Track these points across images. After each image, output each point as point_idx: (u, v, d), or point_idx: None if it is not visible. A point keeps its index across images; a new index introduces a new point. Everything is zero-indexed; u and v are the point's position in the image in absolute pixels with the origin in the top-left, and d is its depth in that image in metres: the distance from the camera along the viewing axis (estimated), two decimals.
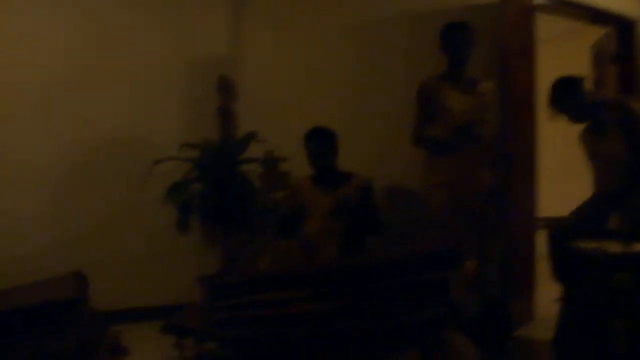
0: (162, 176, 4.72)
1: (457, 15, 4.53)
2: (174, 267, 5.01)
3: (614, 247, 3.58)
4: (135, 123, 5.03)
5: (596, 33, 6.45)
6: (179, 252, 4.98)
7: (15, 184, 4.61)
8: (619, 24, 6.11)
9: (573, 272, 3.62)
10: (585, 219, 4.00)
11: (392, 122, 5.09)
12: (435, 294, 3.43)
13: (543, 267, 4.28)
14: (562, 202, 4.29)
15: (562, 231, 4.01)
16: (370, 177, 4.36)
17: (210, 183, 4.68)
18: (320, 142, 4.29)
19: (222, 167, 4.72)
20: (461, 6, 5.07)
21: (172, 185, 4.68)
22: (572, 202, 4.14)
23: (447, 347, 3.47)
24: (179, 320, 4.03)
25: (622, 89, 5.84)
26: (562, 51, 7.55)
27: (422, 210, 4.43)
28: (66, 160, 4.86)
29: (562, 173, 6.50)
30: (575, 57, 6.95)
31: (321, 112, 5.07)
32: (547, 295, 3.91)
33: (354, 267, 3.71)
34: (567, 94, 4.05)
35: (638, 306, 3.33)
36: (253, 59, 5.30)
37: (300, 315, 3.65)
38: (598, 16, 6.02)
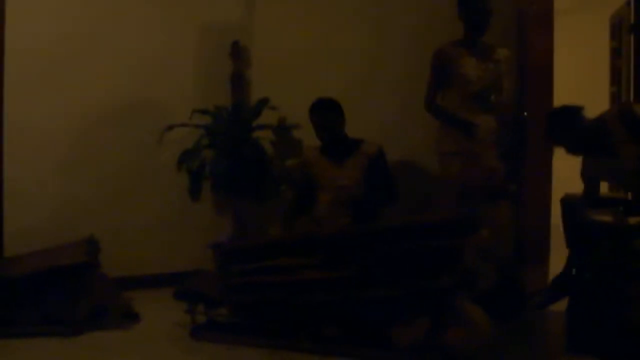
0: (174, 143, 4.71)
1: None
2: (186, 234, 5.01)
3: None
4: (147, 89, 4.98)
5: (616, 3, 6.34)
6: (190, 218, 4.98)
7: (27, 151, 4.58)
8: None
9: (589, 241, 3.58)
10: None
11: (406, 88, 5.03)
12: (448, 261, 3.41)
13: (558, 236, 4.26)
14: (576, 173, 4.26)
15: (577, 201, 3.98)
16: (382, 143, 4.31)
17: (222, 150, 4.66)
18: (324, 115, 4.24)
19: (234, 134, 4.70)
20: None
21: (184, 152, 4.68)
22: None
23: (459, 316, 3.46)
24: (191, 286, 4.03)
25: (637, 62, 5.72)
26: (581, 22, 7.44)
27: (437, 178, 4.39)
28: (79, 127, 4.82)
29: None
30: (594, 28, 6.87)
31: (334, 79, 5.00)
32: (562, 265, 3.87)
33: (365, 234, 3.71)
34: (564, 126, 3.90)
35: None
36: (267, 25, 5.24)
37: (311, 281, 3.66)
38: None
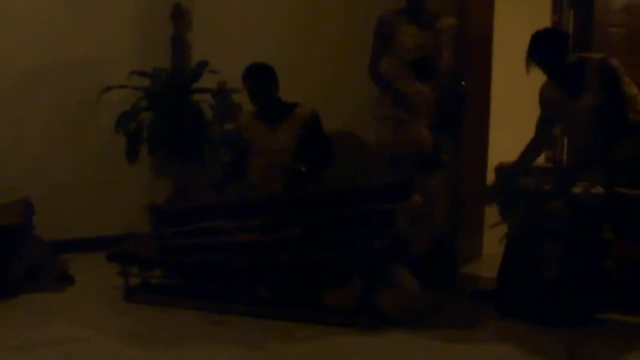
0: (112, 104, 4.64)
1: None
2: (123, 196, 4.94)
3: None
4: (85, 49, 4.86)
5: None
6: (127, 181, 4.91)
7: None
8: None
9: (515, 207, 3.68)
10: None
11: (344, 53, 5.06)
12: (380, 226, 3.47)
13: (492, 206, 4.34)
14: (511, 145, 4.33)
15: (509, 170, 4.06)
16: (318, 109, 4.30)
17: (160, 112, 4.62)
18: (257, 80, 4.21)
19: (173, 97, 4.66)
20: None
21: (121, 113, 4.62)
22: (519, 147, 4.16)
23: (390, 279, 3.52)
24: (125, 248, 4.01)
25: (577, 37, 5.82)
26: None
27: (372, 145, 4.45)
28: (15, 85, 4.70)
29: (510, 118, 6.48)
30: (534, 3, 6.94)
31: (274, 43, 4.99)
32: (496, 234, 3.96)
33: (300, 198, 3.74)
34: (552, 47, 3.84)
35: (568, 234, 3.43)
36: None
37: (245, 244, 3.68)
38: None
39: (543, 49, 3.81)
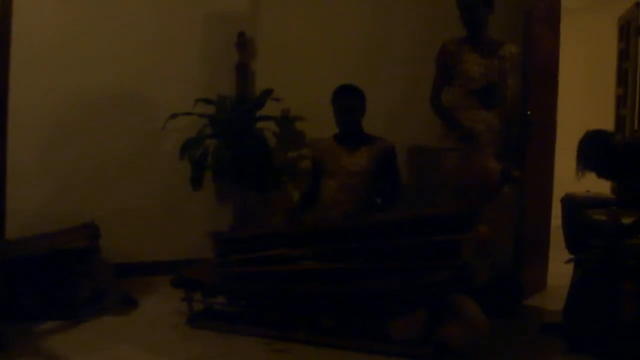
0: (177, 131, 4.71)
1: None
2: (187, 222, 5.01)
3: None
4: (151, 77, 4.96)
5: (624, 5, 6.33)
6: (192, 208, 4.99)
7: (31, 135, 4.58)
8: None
9: (586, 241, 3.58)
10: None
11: (411, 80, 5.05)
12: (445, 256, 3.41)
13: (558, 237, 4.25)
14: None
15: (576, 202, 3.98)
16: (392, 140, 4.39)
17: (225, 139, 4.67)
18: (348, 99, 4.30)
19: (237, 124, 4.70)
20: None
21: (186, 140, 4.68)
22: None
23: (455, 311, 3.46)
24: (189, 274, 4.03)
25: None
26: (589, 22, 7.43)
27: (435, 173, 4.41)
28: (83, 112, 4.81)
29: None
30: (601, 28, 6.86)
31: (338, 71, 5.01)
32: (560, 265, 3.87)
33: (365, 227, 3.71)
34: (599, 151, 3.84)
35: None
36: (272, 16, 5.23)
37: (308, 272, 3.67)
38: None
39: (590, 154, 3.85)
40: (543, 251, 4.83)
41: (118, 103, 4.91)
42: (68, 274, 4.04)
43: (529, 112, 4.49)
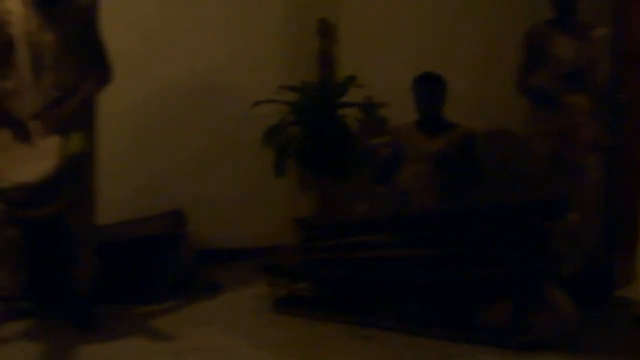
0: (260, 118, 4.73)
1: None
2: (270, 209, 5.04)
3: None
4: (233, 65, 5.00)
5: None
6: (275, 194, 5.01)
7: (118, 124, 4.65)
8: None
9: None
10: None
11: (492, 65, 4.95)
12: (536, 244, 3.34)
13: None
14: None
15: None
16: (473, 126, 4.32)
17: (307, 126, 4.67)
18: (429, 86, 4.29)
19: (320, 111, 4.70)
20: None
21: (269, 128, 4.70)
22: None
23: (545, 300, 3.39)
24: (273, 260, 4.06)
25: None
26: None
27: (523, 159, 4.32)
28: (168, 101, 4.90)
29: None
30: None
31: (421, 57, 4.94)
32: None
33: (448, 214, 3.67)
34: None
35: None
36: (354, 2, 5.20)
37: (394, 259, 3.64)
38: None
39: None
40: (635, 240, 4.67)
41: (201, 93, 4.96)
42: (155, 259, 4.13)
43: (621, 95, 4.34)
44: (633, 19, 4.47)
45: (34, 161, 3.11)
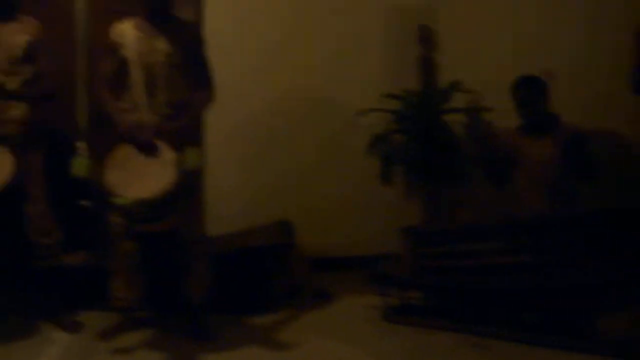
0: (364, 128, 4.74)
1: None
2: (377, 217, 5.03)
3: None
4: (337, 76, 5.05)
5: None
6: (381, 203, 4.99)
7: (225, 138, 4.78)
8: None
9: None
10: None
11: (594, 65, 4.83)
12: None
13: None
14: None
15: None
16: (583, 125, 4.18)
17: (412, 134, 4.65)
18: (529, 90, 4.20)
19: (424, 118, 4.67)
20: None
21: (373, 136, 4.71)
22: None
23: None
24: (384, 269, 4.06)
25: None
26: None
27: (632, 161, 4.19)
28: (274, 112, 4.99)
29: None
30: None
31: (524, 60, 4.84)
32: None
33: (561, 220, 3.57)
34: None
35: None
36: (454, 8, 5.15)
37: (506, 266, 3.58)
38: None
39: None
40: None
41: (306, 104, 5.03)
42: (266, 269, 4.20)
43: None
44: None
45: (152, 177, 3.22)
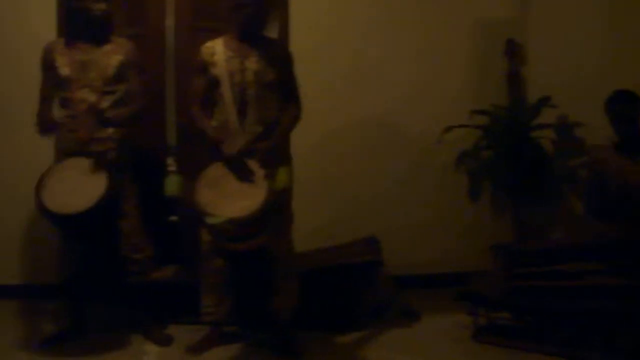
0: (452, 144, 4.71)
1: None
2: (464, 234, 5.00)
3: None
4: (425, 91, 5.03)
5: None
6: (469, 219, 4.96)
7: (313, 154, 4.80)
8: None
9: None
10: None
11: None
12: None
13: None
14: None
15: None
16: None
17: (501, 150, 4.59)
18: (624, 106, 4.04)
19: (513, 134, 4.60)
20: None
21: (461, 152, 4.67)
22: None
23: None
24: (474, 287, 3.99)
25: None
26: None
27: None
28: (361, 130, 5.00)
29: None
30: None
31: (618, 74, 4.69)
32: None
33: None
34: None
35: None
36: (542, 21, 5.07)
37: (601, 288, 3.47)
38: None
39: None
40: None
41: (394, 120, 5.03)
42: (354, 286, 4.19)
43: None
44: None
45: (243, 196, 3.26)
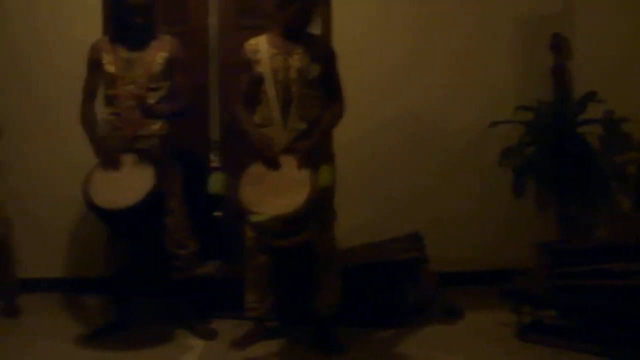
0: (496, 139, 4.67)
1: None
2: (508, 231, 4.93)
3: None
4: (469, 85, 4.99)
5: None
6: (513, 216, 4.90)
7: (356, 150, 4.82)
8: None
9: None
10: None
11: None
12: None
13: None
14: None
15: None
16: None
17: (546, 146, 4.53)
18: None
19: (558, 130, 4.54)
20: None
21: (505, 148, 4.63)
22: None
23: None
24: (518, 285, 3.95)
25: None
26: None
27: None
28: (403, 126, 4.97)
29: None
30: None
31: None
32: None
33: None
34: None
35: None
36: (589, 15, 4.98)
37: None
38: None
39: None
40: None
41: (437, 116, 4.98)
42: (397, 283, 4.17)
43: None
44: None
45: (287, 194, 3.27)
